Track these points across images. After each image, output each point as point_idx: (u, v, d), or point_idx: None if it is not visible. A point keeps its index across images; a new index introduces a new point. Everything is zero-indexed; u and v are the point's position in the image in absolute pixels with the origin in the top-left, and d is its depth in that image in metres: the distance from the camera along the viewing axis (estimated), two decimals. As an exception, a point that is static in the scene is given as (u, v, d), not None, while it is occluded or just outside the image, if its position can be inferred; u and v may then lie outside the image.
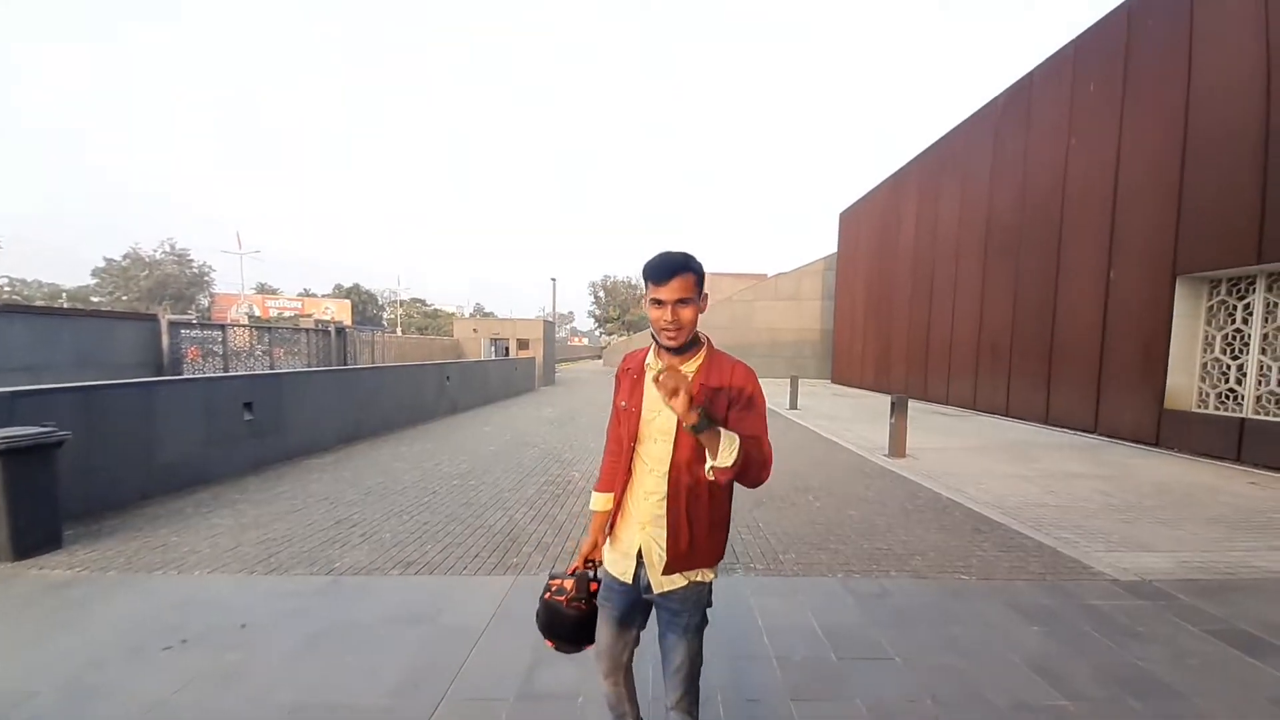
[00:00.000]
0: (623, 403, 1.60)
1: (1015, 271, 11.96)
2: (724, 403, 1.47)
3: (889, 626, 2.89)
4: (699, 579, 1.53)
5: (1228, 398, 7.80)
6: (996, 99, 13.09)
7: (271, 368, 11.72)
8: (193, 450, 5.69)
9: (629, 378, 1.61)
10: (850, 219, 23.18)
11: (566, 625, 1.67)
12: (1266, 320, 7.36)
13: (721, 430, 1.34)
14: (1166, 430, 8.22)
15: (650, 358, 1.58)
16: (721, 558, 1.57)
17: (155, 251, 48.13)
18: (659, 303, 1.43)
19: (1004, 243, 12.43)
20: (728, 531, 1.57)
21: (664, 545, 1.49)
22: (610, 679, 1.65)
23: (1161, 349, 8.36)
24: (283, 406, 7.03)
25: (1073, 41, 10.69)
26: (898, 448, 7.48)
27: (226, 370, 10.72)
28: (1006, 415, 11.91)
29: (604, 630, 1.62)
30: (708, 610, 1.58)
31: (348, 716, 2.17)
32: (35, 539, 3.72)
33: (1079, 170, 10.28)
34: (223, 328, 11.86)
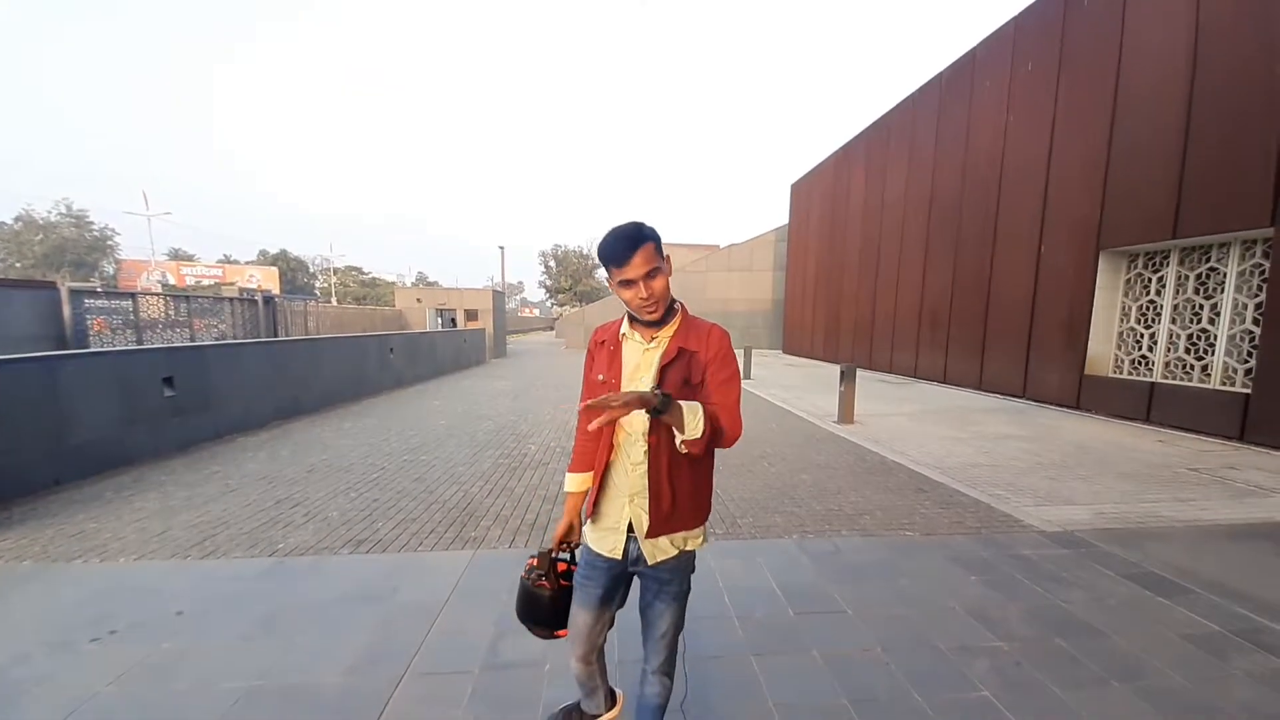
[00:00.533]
0: (600, 376, 1.54)
1: (955, 244, 12.49)
2: (700, 367, 1.45)
3: (841, 582, 3.03)
4: (689, 547, 1.53)
5: (1140, 364, 8.51)
6: (941, 73, 13.40)
7: (191, 340, 10.88)
8: (108, 430, 5.22)
9: (604, 350, 1.56)
10: (801, 190, 23.49)
11: (543, 609, 1.64)
12: (1177, 292, 8.01)
13: (683, 404, 1.31)
14: (1086, 394, 8.92)
15: (625, 327, 1.55)
16: (706, 518, 1.56)
17: (49, 213, 43.30)
18: (629, 283, 1.39)
19: (945, 215, 12.92)
20: (709, 495, 1.56)
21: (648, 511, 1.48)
22: (584, 661, 1.65)
23: (1084, 319, 8.99)
24: (208, 381, 6.55)
25: (1014, 19, 11.01)
26: (846, 414, 7.78)
27: (140, 343, 9.87)
28: (944, 382, 12.60)
29: (582, 614, 1.59)
30: (691, 576, 1.59)
31: (305, 697, 2.08)
32: (-74, 530, 3.34)
33: (1016, 147, 10.74)
34: (133, 296, 10.83)
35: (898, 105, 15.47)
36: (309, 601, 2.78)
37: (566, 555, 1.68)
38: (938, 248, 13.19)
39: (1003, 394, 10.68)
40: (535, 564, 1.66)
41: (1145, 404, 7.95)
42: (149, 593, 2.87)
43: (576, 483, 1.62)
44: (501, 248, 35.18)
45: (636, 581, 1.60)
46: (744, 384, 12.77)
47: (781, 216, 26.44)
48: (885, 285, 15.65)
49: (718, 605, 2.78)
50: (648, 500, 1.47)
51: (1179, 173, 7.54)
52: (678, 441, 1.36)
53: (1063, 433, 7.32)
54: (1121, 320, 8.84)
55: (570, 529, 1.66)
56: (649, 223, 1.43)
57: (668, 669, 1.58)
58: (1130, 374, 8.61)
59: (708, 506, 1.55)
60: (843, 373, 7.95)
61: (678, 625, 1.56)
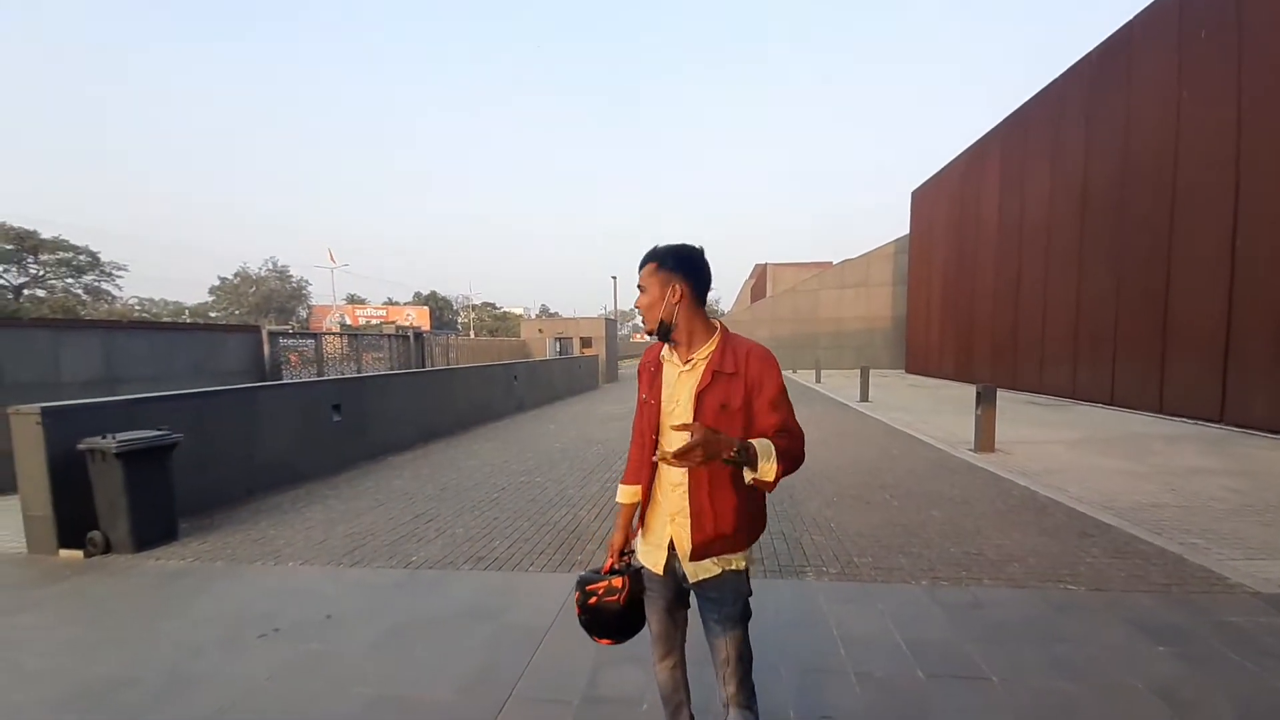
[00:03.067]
0: (644, 396, 1.61)
1: (1118, 243, 10.77)
2: (740, 389, 1.45)
3: (984, 642, 2.63)
4: (734, 567, 1.50)
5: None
6: (1090, 55, 11.81)
7: (359, 371, 12.54)
8: (289, 450, 6.14)
9: (647, 371, 1.63)
10: (924, 197, 21.79)
11: (611, 621, 1.64)
12: None
13: (754, 444, 1.31)
14: (1317, 419, 7.11)
15: (664, 350, 1.61)
16: (754, 541, 1.54)
17: (260, 269, 53.29)
18: (642, 289, 1.54)
19: (1104, 212, 11.21)
20: (760, 517, 1.54)
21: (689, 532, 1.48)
22: (667, 661, 1.66)
23: (1308, 325, 7.24)
24: (366, 408, 7.47)
25: (1179, -18, 9.45)
26: (985, 441, 6.91)
27: (320, 375, 11.58)
28: (1111, 404, 10.77)
29: (653, 617, 1.63)
30: (749, 600, 1.54)
31: (420, 711, 2.22)
32: (154, 533, 4.13)
33: (1193, 127, 9.08)
34: (315, 336, 12.80)
35: (1037, 96, 13.88)
36: (432, 615, 3.00)
37: (623, 567, 1.68)
38: (1095, 249, 11.46)
39: (1192, 418, 8.86)
40: (609, 584, 1.62)
41: None
42: (308, 596, 3.27)
43: (627, 495, 1.67)
44: (614, 278, 36.64)
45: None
46: (859, 406, 12.00)
47: (898, 228, 24.65)
48: (1030, 294, 13.86)
49: (831, 657, 2.54)
50: (689, 521, 1.47)
51: None
52: (747, 479, 1.33)
53: (1278, 466, 5.87)
54: (1370, 326, 6.98)
55: (625, 540, 1.69)
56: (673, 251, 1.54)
57: (746, 700, 1.52)
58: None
59: (759, 527, 1.53)
60: (979, 394, 7.10)
61: (742, 654, 1.51)
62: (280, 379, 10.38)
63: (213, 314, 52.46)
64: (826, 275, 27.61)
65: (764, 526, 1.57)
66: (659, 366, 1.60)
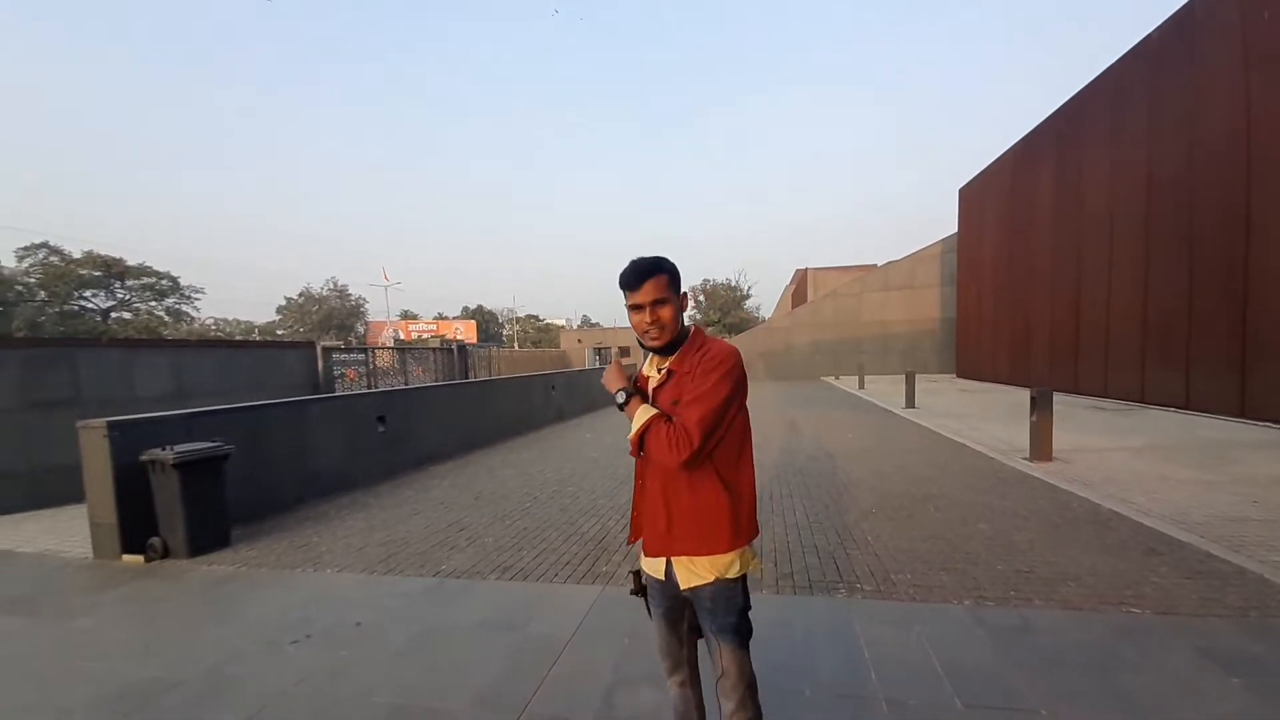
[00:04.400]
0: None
1: (1188, 236, 9.98)
2: (688, 385, 1.48)
3: (1031, 670, 2.43)
4: (726, 575, 1.48)
5: None
6: (1150, 37, 11.07)
7: (406, 384, 13.02)
8: (337, 459, 6.40)
9: (641, 383, 1.68)
10: (972, 194, 20.88)
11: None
12: None
13: (640, 408, 1.50)
14: None
15: (645, 365, 1.66)
16: (736, 549, 1.49)
17: (322, 289, 56.46)
18: (638, 308, 1.51)
19: (1171, 204, 10.43)
20: (725, 521, 1.48)
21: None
22: (675, 677, 1.65)
23: None
24: (410, 418, 7.71)
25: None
26: (1041, 449, 6.49)
27: (370, 387, 12.08)
28: (1186, 408, 9.93)
29: (655, 627, 1.66)
30: (749, 615, 1.54)
31: (438, 722, 2.24)
32: (207, 539, 4.37)
33: (1266, 109, 8.33)
34: (365, 350, 13.39)
35: (1090, 84, 13.12)
36: (456, 624, 3.03)
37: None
38: (1163, 243, 10.67)
39: (1277, 422, 8.06)
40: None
41: None
42: (342, 602, 3.37)
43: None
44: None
45: None
46: (904, 413, 11.52)
47: (945, 228, 23.69)
48: (1092, 292, 13.02)
49: (861, 683, 2.40)
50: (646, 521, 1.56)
51: None
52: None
53: (1396, 479, 5.25)
54: None
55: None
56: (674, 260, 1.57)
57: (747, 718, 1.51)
58: None
59: (725, 533, 1.48)
60: (1034, 399, 6.68)
61: (742, 671, 1.50)
62: (334, 392, 10.88)
63: (279, 331, 55.75)
64: (870, 278, 26.78)
65: (748, 533, 1.51)
66: (645, 381, 1.64)
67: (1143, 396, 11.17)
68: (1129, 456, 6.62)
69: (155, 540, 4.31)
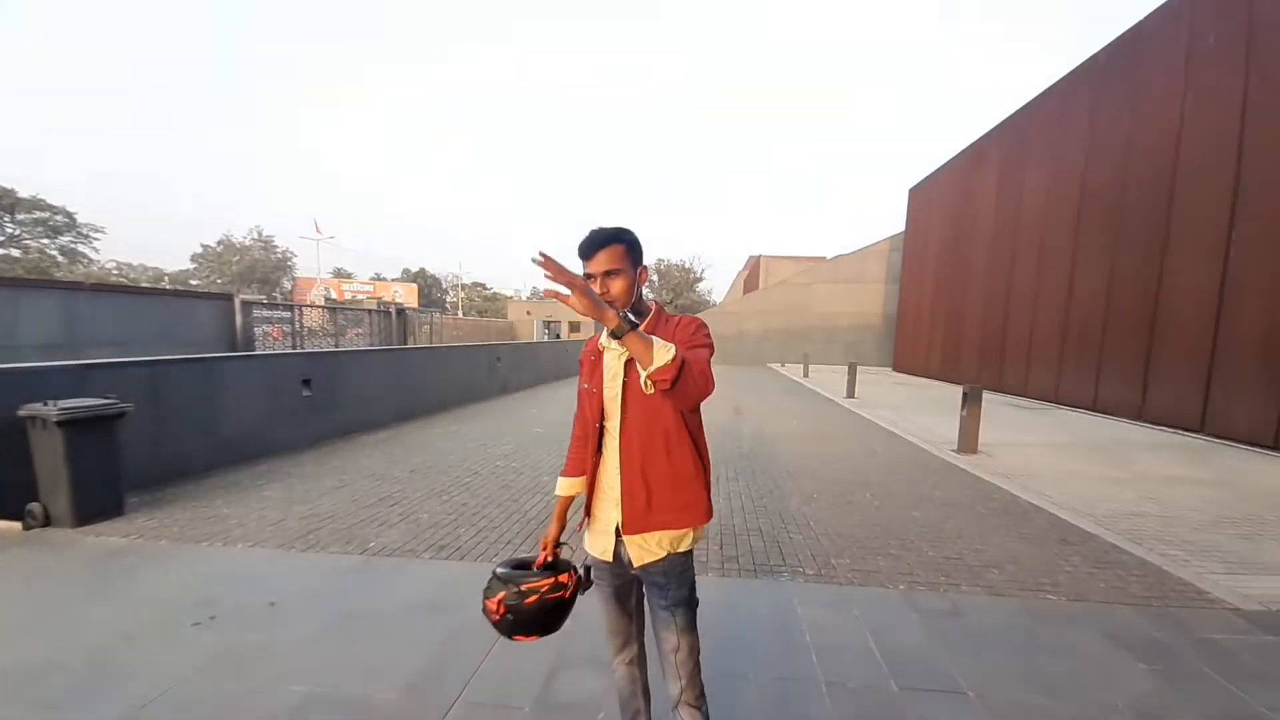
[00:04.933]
0: (585, 385, 1.60)
1: (1112, 248, 10.73)
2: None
3: (960, 653, 2.52)
4: (678, 549, 1.48)
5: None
6: (1096, 56, 11.68)
7: (336, 346, 12.24)
8: (255, 424, 5.90)
9: (588, 361, 1.61)
10: (921, 195, 21.69)
11: (539, 618, 1.55)
12: None
13: (654, 339, 1.25)
14: (1295, 432, 7.14)
15: (603, 338, 1.53)
16: (697, 521, 1.49)
17: (244, 238, 51.94)
18: (589, 278, 1.42)
19: (1100, 216, 11.17)
20: (701, 491, 1.50)
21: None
22: (623, 656, 1.63)
23: (1293, 338, 7.24)
24: (340, 384, 7.22)
25: (1187, -12, 9.32)
26: (969, 443, 6.85)
27: (296, 348, 11.26)
28: (1094, 409, 10.81)
29: (605, 608, 1.62)
30: (695, 587, 1.54)
31: (359, 711, 2.06)
32: (96, 506, 3.90)
33: (1196, 134, 9.00)
34: (291, 307, 12.45)
35: (1039, 96, 13.76)
36: (384, 606, 2.83)
37: (557, 561, 1.63)
38: (1089, 253, 11.43)
39: (1172, 427, 8.91)
40: (556, 580, 1.54)
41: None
42: (252, 580, 3.09)
43: (566, 487, 1.67)
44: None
45: None
46: (845, 403, 11.93)
47: (894, 225, 24.57)
48: (1021, 297, 13.85)
49: (802, 665, 2.41)
50: (622, 500, 1.47)
51: None
52: (642, 378, 1.29)
53: (1257, 479, 5.88)
54: (1354, 342, 6.99)
55: (559, 534, 1.66)
56: (631, 230, 1.48)
57: (696, 699, 1.50)
58: (1368, 410, 6.75)
59: (698, 506, 1.49)
60: (966, 394, 7.02)
61: (692, 645, 1.50)
62: (253, 350, 10.07)
63: (193, 282, 51.22)
64: (820, 269, 27.51)
65: (707, 513, 1.50)
66: (599, 355, 1.56)
67: (1056, 397, 12.07)
68: (1045, 452, 7.11)
69: (34, 506, 3.82)
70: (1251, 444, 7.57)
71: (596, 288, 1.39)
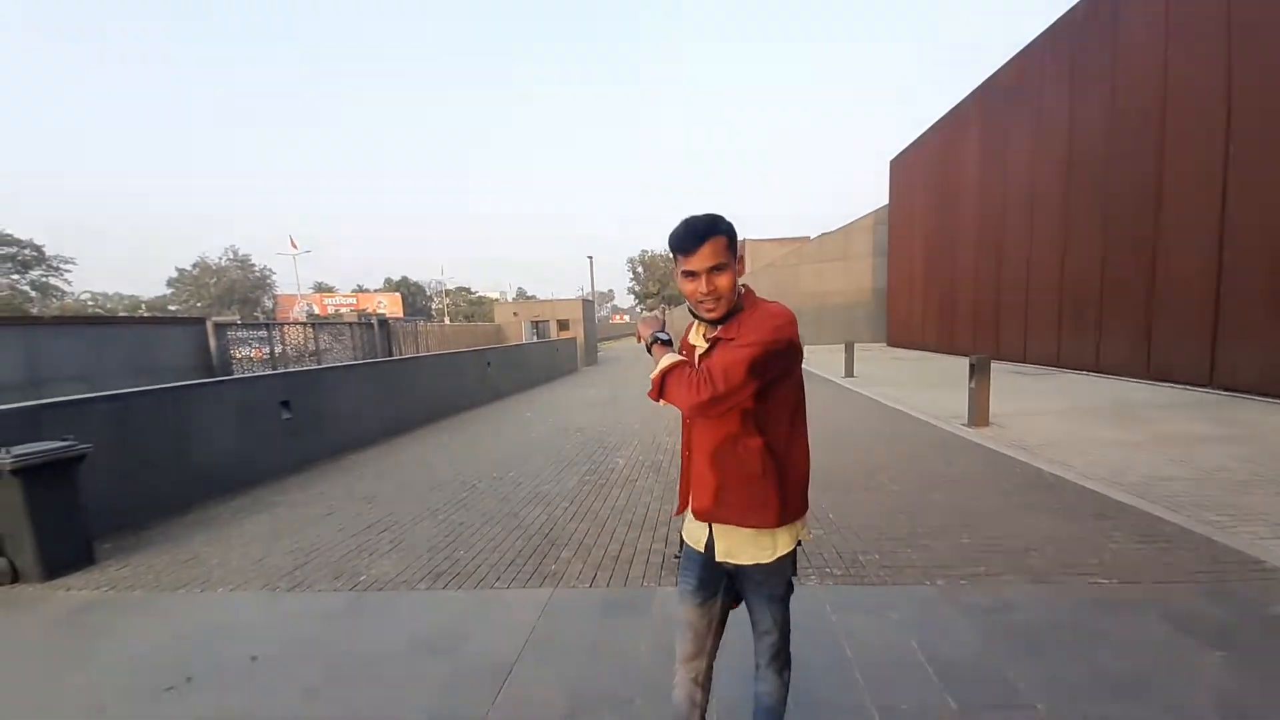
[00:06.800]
0: None
1: (1103, 208, 10.57)
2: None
3: (1016, 656, 2.28)
4: (763, 560, 1.42)
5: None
6: (1074, 10, 11.46)
7: (319, 363, 11.83)
8: (233, 453, 5.56)
9: (686, 351, 1.56)
10: (903, 165, 21.49)
11: None
12: None
13: (666, 354, 1.42)
14: (1308, 380, 7.01)
15: (691, 334, 1.52)
16: (764, 523, 1.40)
17: (220, 259, 50.92)
18: (692, 274, 1.36)
19: (1088, 176, 10.99)
20: (771, 492, 1.39)
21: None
22: (688, 668, 1.52)
23: (1300, 284, 7.09)
24: (321, 403, 6.89)
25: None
26: (979, 415, 6.66)
27: (275, 369, 10.85)
28: (1097, 371, 10.68)
29: (683, 606, 1.54)
30: (792, 585, 1.53)
31: (351, 787, 1.79)
32: (64, 557, 3.59)
33: (1181, 82, 8.81)
34: (268, 326, 12.01)
35: (1017, 56, 13.54)
36: (378, 650, 2.55)
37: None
38: (1080, 214, 11.26)
39: (1180, 383, 8.77)
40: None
41: None
42: (233, 631, 2.80)
43: None
44: (590, 258, 35.68)
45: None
46: (844, 382, 11.71)
47: (878, 198, 24.37)
48: (1013, 263, 13.70)
49: (846, 687, 2.16)
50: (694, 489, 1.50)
51: None
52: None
53: (1278, 431, 5.72)
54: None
55: None
56: (730, 219, 1.39)
57: (778, 666, 1.52)
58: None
59: (765, 509, 1.39)
60: (973, 365, 6.82)
61: (783, 628, 1.52)
62: (230, 374, 9.68)
63: (172, 307, 50.26)
64: (805, 250, 27.31)
65: (779, 517, 1.39)
66: (691, 350, 1.51)
67: (1058, 361, 11.94)
68: (1056, 419, 6.93)
69: (1, 561, 3.50)
70: (1264, 395, 7.44)
71: (702, 284, 1.35)
